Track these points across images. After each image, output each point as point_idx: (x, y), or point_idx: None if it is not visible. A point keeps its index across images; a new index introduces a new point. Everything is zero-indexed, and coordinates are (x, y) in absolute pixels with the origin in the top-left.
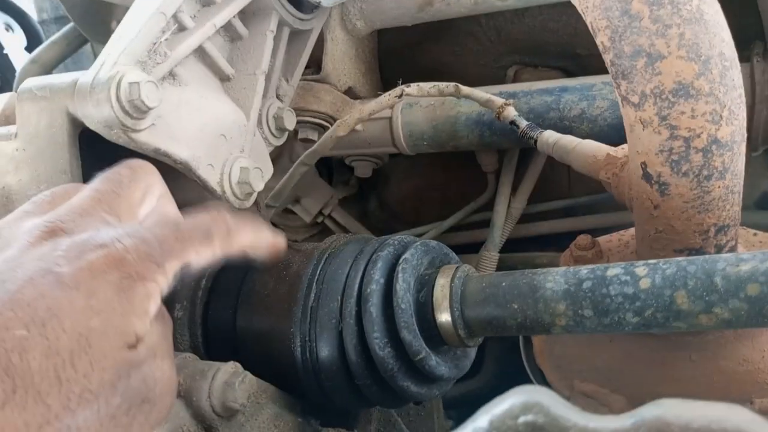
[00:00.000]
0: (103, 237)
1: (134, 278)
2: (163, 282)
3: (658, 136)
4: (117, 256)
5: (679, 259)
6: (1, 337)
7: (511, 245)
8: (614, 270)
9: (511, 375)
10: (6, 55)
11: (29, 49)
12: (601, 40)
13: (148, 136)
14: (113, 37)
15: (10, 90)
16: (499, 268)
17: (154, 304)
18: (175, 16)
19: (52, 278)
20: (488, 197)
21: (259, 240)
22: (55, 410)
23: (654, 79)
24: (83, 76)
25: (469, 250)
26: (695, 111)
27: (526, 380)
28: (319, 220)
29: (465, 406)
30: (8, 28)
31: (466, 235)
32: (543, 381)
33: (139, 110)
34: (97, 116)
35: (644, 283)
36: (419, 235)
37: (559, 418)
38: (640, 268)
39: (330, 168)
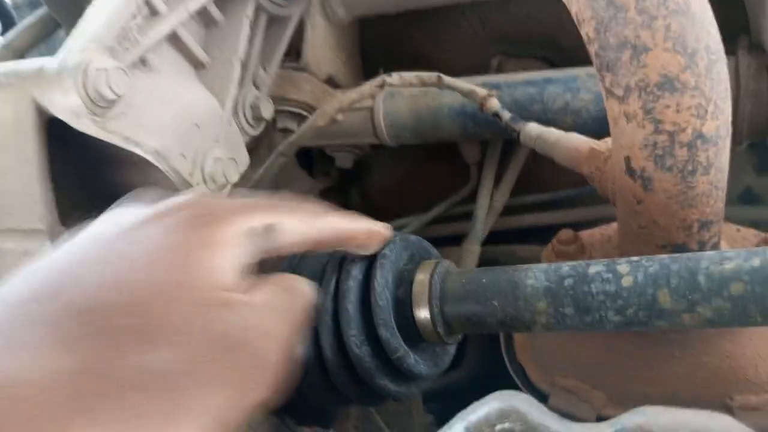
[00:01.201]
0: (173, 199)
1: (210, 237)
2: (248, 234)
3: (642, 130)
4: (191, 215)
5: (663, 256)
6: (73, 298)
7: (493, 238)
8: (596, 267)
9: (494, 367)
10: None
11: (4, 34)
12: (586, 31)
13: (117, 125)
14: (81, 21)
15: None
16: (481, 261)
17: (234, 264)
18: (146, 1)
19: (127, 236)
20: (471, 189)
21: (354, 229)
22: (132, 346)
23: (639, 72)
24: (49, 63)
25: (451, 242)
26: (680, 105)
27: (508, 372)
28: None
29: (446, 399)
30: None
31: (448, 228)
32: (523, 376)
33: (107, 98)
34: (63, 104)
35: (626, 281)
36: (401, 227)
37: (538, 426)
38: (623, 266)
39: (310, 159)
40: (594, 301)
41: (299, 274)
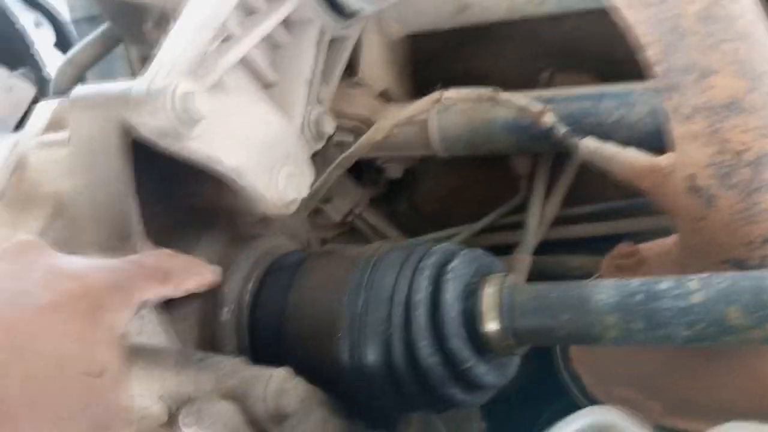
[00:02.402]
0: (78, 265)
1: (105, 308)
2: (128, 314)
3: (707, 149)
4: (91, 285)
5: (733, 273)
6: None
7: (542, 248)
8: (666, 283)
9: (540, 374)
10: (35, 51)
11: (58, 45)
12: (651, 53)
13: (199, 144)
14: (164, 45)
15: (43, 87)
16: (531, 272)
17: (120, 331)
18: (223, 25)
19: (31, 302)
20: (520, 200)
21: (203, 281)
22: None
23: (705, 94)
24: (137, 85)
25: (500, 252)
26: (747, 125)
27: (554, 379)
28: (348, 219)
29: (492, 404)
30: (38, 24)
31: (497, 238)
32: (578, 385)
33: (192, 119)
34: (151, 125)
35: (697, 298)
36: (451, 236)
37: None
38: (693, 282)
39: (359, 168)
40: (664, 316)
41: (373, 284)
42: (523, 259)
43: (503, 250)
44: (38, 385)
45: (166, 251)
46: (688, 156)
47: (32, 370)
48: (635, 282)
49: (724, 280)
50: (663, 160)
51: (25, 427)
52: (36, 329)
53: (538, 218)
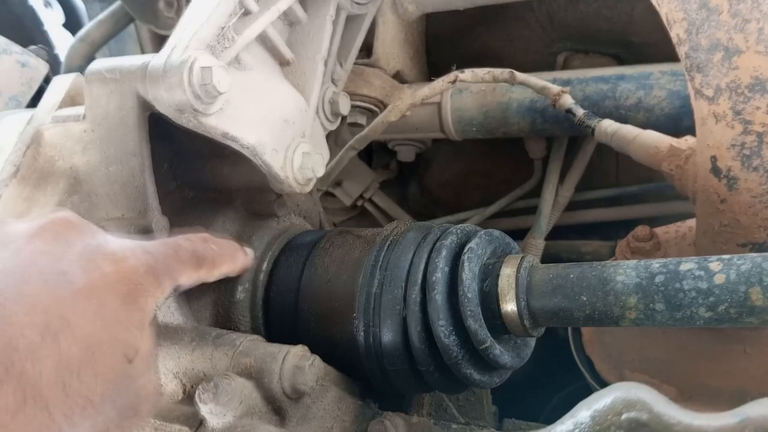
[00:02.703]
0: (115, 247)
1: (139, 292)
2: (160, 298)
3: (731, 130)
4: (128, 268)
5: (754, 255)
6: (15, 344)
7: (554, 233)
8: (688, 265)
9: (553, 360)
10: (45, 31)
11: (67, 25)
12: (677, 32)
13: (217, 120)
14: (182, 20)
15: (54, 66)
16: (543, 256)
17: (150, 316)
18: (241, 1)
19: (66, 284)
20: (534, 184)
21: (235, 266)
22: (59, 423)
23: (730, 74)
24: (155, 60)
25: (511, 236)
26: None
27: (564, 365)
28: (359, 203)
29: (502, 390)
30: (47, 4)
31: (509, 222)
32: (591, 370)
33: (210, 95)
34: (168, 100)
35: (719, 279)
36: (462, 221)
37: (663, 415)
38: (715, 263)
39: (370, 151)
40: (686, 297)
41: (389, 264)
42: (536, 243)
43: (516, 235)
44: (70, 368)
45: (202, 234)
46: (711, 137)
47: (65, 354)
48: (656, 263)
49: (746, 261)
50: (683, 142)
51: (56, 410)
52: (71, 312)
53: (551, 202)
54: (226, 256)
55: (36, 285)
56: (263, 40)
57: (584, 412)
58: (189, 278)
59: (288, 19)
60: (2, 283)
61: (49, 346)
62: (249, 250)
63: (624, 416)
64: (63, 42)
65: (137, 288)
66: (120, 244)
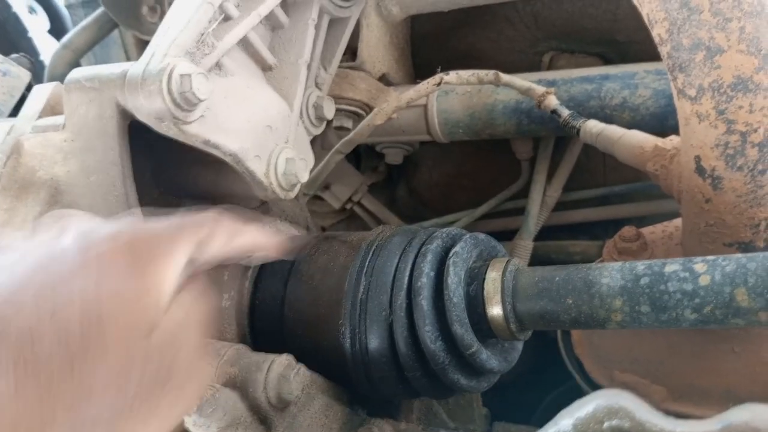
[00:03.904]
0: (108, 228)
1: (145, 261)
2: (175, 265)
3: (714, 130)
4: (125, 243)
5: (739, 255)
6: (10, 325)
7: (542, 233)
8: (672, 266)
9: (543, 361)
10: (30, 38)
11: (52, 31)
12: (658, 32)
13: (198, 127)
14: (161, 27)
15: (39, 73)
16: (532, 257)
17: (169, 287)
18: (221, 6)
19: (62, 265)
20: (522, 185)
21: (262, 241)
22: (68, 401)
23: (712, 73)
24: (133, 68)
25: (500, 237)
26: (753, 105)
27: (557, 367)
28: (348, 206)
29: (492, 392)
30: (31, 10)
31: (497, 223)
32: (581, 371)
33: (190, 102)
34: (147, 108)
35: (704, 280)
36: (451, 223)
37: (645, 423)
38: (699, 265)
39: (358, 154)
40: (671, 299)
41: (374, 269)
42: (525, 244)
43: (504, 236)
44: (74, 348)
45: (212, 213)
46: (695, 137)
47: (65, 333)
48: (641, 265)
49: (731, 262)
50: (668, 142)
51: (65, 393)
52: (68, 290)
53: (539, 203)
54: (249, 229)
55: (30, 269)
56: (245, 45)
57: (566, 420)
58: (203, 247)
59: (270, 23)
60: None
61: (45, 324)
62: (298, 230)
63: (606, 424)
64: (48, 48)
65: (141, 257)
66: (118, 223)
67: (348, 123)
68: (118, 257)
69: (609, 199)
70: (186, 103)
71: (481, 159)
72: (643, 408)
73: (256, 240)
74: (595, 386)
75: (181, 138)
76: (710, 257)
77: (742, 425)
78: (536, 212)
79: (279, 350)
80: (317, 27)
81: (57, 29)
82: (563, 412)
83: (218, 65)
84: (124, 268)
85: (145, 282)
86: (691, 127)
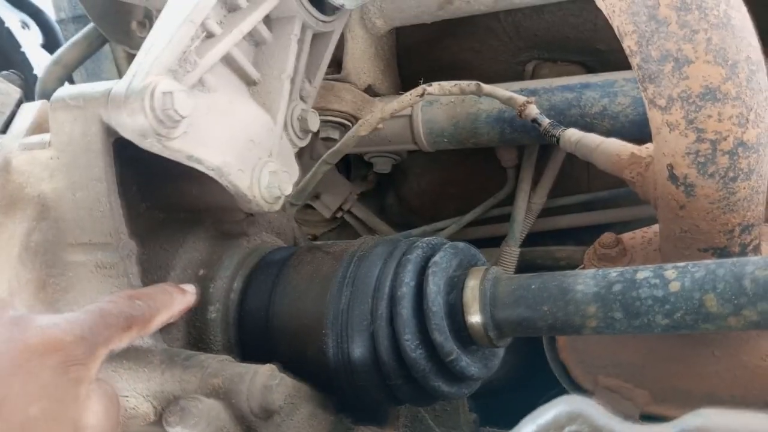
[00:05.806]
0: (39, 320)
1: (72, 362)
2: (95, 366)
3: (685, 138)
4: (56, 338)
5: (708, 262)
6: None
7: (530, 239)
8: (644, 273)
9: (530, 365)
10: (23, 52)
11: (46, 46)
12: (628, 44)
13: (182, 143)
14: (144, 45)
15: (31, 88)
16: (519, 263)
17: (88, 388)
18: (203, 24)
19: None
20: (507, 192)
21: (173, 311)
22: None
23: (681, 84)
24: (117, 86)
25: (488, 244)
26: (722, 114)
27: (544, 371)
28: (338, 215)
29: (482, 397)
30: (24, 25)
31: (485, 230)
32: (565, 376)
33: (173, 119)
34: (131, 126)
35: (674, 286)
36: (439, 230)
37: (604, 428)
38: (670, 271)
39: (348, 163)
40: (642, 305)
41: (356, 279)
42: (511, 251)
43: (492, 242)
44: None
45: (127, 292)
46: (667, 146)
47: None
48: (614, 272)
49: (700, 268)
50: (643, 149)
51: None
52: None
53: (524, 210)
54: (158, 306)
55: None
56: (228, 61)
57: (528, 427)
58: (121, 341)
59: (253, 39)
60: None
61: None
62: (189, 287)
63: (566, 430)
64: (42, 63)
65: (67, 359)
66: (44, 317)
67: (335, 134)
68: (46, 358)
69: (594, 204)
70: (169, 120)
71: (467, 167)
72: (603, 414)
73: (166, 316)
74: (580, 391)
75: (164, 154)
76: (681, 264)
77: (696, 430)
78: (521, 219)
79: (266, 361)
80: (300, 42)
81: (50, 44)
82: (526, 419)
83: (201, 82)
84: (52, 369)
85: (70, 384)
86: (663, 136)
